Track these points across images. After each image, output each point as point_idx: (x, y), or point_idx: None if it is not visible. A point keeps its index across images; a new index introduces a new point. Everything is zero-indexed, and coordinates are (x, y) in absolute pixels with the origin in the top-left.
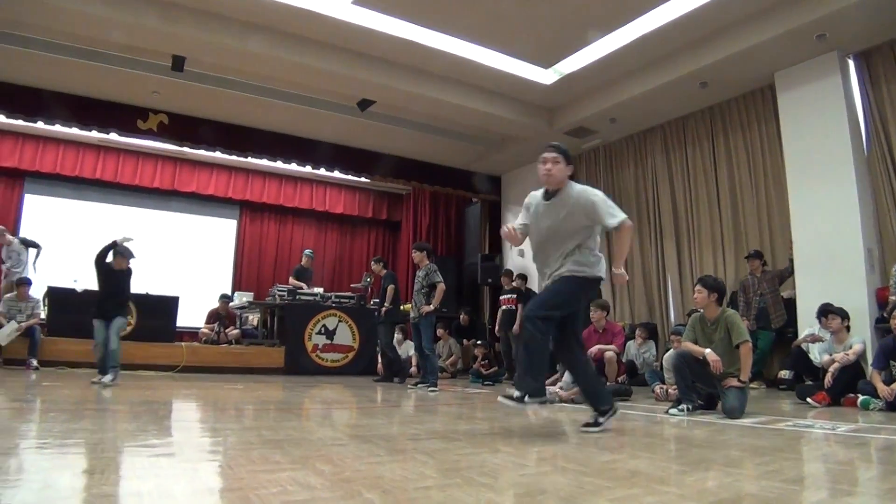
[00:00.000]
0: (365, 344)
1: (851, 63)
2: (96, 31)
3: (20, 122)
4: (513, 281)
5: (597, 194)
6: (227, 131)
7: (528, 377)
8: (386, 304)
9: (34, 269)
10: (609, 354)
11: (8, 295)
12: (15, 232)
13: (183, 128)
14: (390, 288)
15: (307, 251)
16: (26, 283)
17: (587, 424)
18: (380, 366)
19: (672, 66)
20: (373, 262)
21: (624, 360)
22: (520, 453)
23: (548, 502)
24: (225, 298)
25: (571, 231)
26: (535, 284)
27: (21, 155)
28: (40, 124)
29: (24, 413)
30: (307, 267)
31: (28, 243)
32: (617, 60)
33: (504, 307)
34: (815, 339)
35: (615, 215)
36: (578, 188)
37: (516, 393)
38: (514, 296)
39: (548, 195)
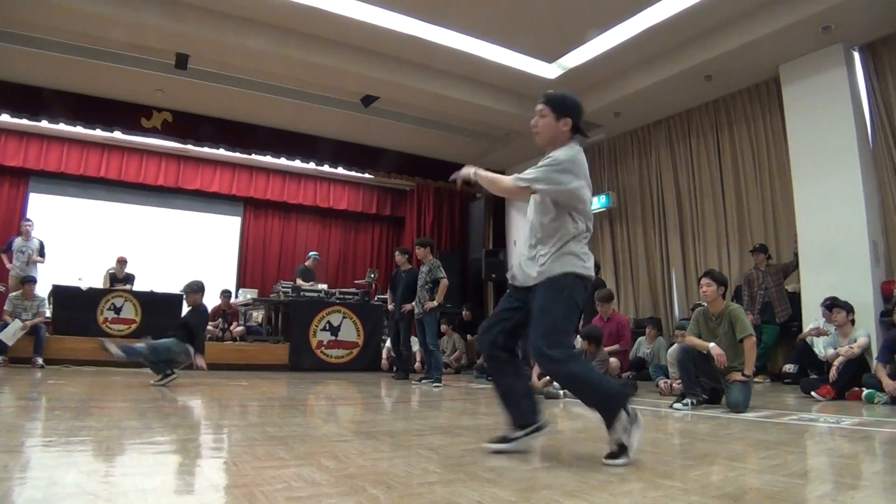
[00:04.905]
0: (369, 340)
1: (857, 55)
2: (99, 29)
3: (24, 122)
4: None
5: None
6: (230, 128)
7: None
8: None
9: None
10: (613, 361)
11: (13, 294)
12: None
13: (187, 125)
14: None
15: (312, 253)
16: (32, 281)
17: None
18: (384, 360)
19: (676, 59)
20: (398, 253)
21: (632, 357)
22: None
23: (552, 497)
24: (225, 294)
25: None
26: None
27: (26, 154)
28: (44, 123)
29: (29, 411)
30: (311, 268)
31: (42, 252)
32: (621, 54)
33: None
34: (819, 332)
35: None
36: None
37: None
38: None
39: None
